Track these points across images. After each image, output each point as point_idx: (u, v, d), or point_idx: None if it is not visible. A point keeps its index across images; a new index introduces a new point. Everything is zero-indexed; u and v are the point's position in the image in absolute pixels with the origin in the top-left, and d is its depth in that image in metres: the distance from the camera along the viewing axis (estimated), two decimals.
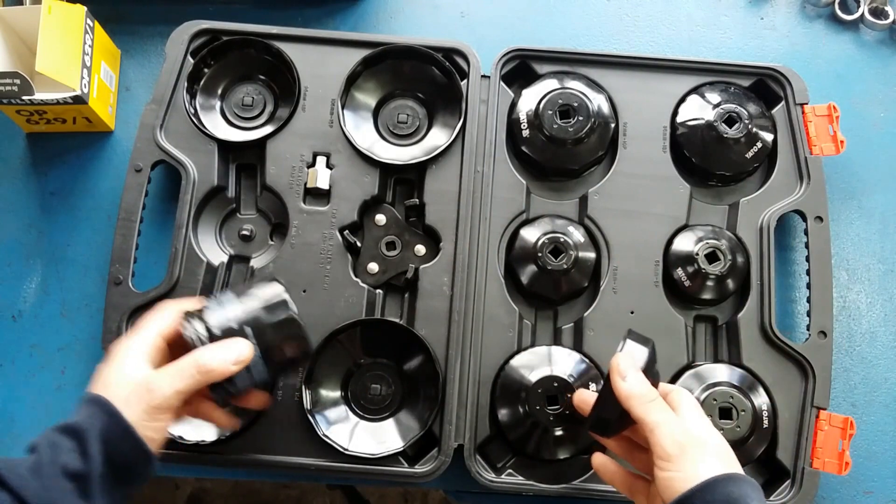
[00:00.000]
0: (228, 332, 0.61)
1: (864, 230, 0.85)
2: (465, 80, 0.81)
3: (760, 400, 0.74)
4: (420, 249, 0.80)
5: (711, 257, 0.77)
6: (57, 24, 0.77)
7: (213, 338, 0.60)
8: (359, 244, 0.79)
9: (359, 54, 0.81)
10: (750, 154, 0.80)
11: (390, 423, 0.75)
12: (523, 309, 0.78)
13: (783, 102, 0.83)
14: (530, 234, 0.78)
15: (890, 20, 0.89)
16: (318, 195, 0.79)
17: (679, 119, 0.82)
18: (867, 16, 0.90)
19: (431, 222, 0.78)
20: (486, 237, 0.78)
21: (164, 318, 0.62)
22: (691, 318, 0.79)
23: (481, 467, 0.73)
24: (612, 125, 0.81)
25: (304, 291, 0.76)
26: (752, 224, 0.79)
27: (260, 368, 0.62)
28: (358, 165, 0.79)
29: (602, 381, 0.68)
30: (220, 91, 0.83)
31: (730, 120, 0.79)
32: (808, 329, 0.77)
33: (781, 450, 0.74)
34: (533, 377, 0.73)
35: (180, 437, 0.72)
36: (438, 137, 0.82)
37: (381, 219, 0.80)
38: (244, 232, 0.80)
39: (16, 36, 0.80)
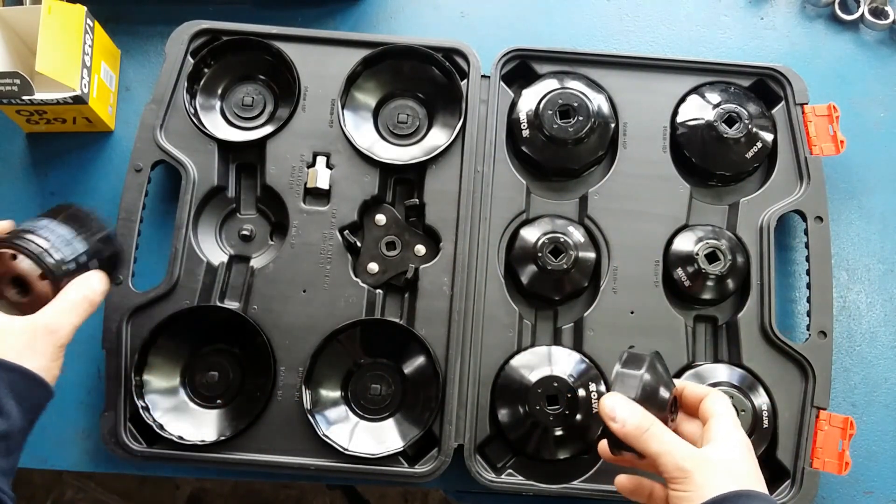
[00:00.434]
0: (81, 264, 0.65)
1: (864, 230, 0.85)
2: (465, 80, 0.81)
3: (760, 400, 0.74)
4: (420, 249, 0.80)
5: (711, 257, 0.77)
6: (57, 24, 0.77)
7: (73, 268, 0.64)
8: (359, 244, 0.79)
9: (359, 54, 0.81)
10: (750, 154, 0.80)
11: (390, 423, 0.75)
12: (523, 309, 0.78)
13: (783, 102, 0.83)
14: (530, 234, 0.78)
15: (890, 20, 0.89)
16: (318, 195, 0.79)
17: (679, 119, 0.82)
18: (867, 16, 0.90)
19: (431, 222, 0.78)
20: (486, 237, 0.78)
21: None
22: (691, 318, 0.79)
23: (481, 467, 0.73)
24: (612, 125, 0.81)
25: (304, 291, 0.76)
26: (752, 224, 0.79)
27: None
28: (358, 165, 0.79)
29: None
30: (220, 91, 0.83)
31: (730, 120, 0.79)
32: (808, 329, 0.77)
33: (781, 450, 0.74)
34: (533, 377, 0.73)
35: (180, 437, 0.72)
36: (438, 137, 0.82)
37: (381, 219, 0.80)
38: (244, 232, 0.80)
39: (16, 36, 0.80)
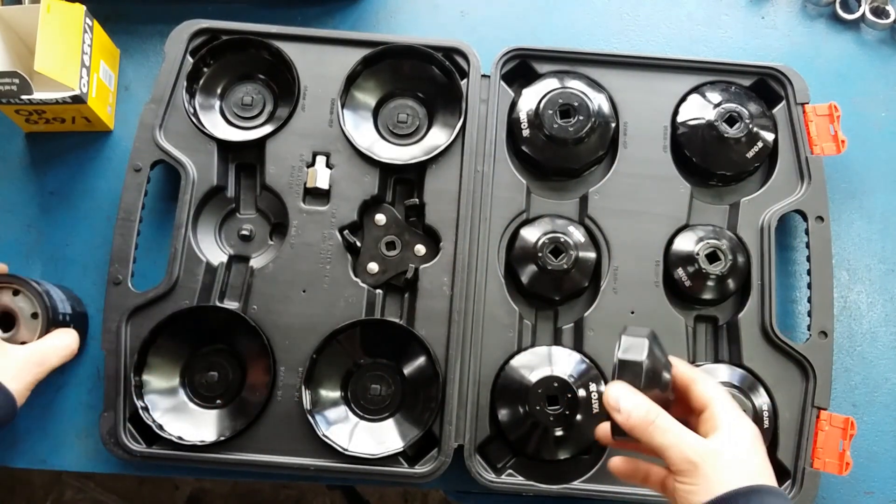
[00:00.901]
0: (76, 316, 0.77)
1: (865, 230, 0.85)
2: (466, 80, 0.81)
3: (761, 400, 0.74)
4: (420, 249, 0.79)
5: (712, 257, 0.77)
6: (56, 23, 0.77)
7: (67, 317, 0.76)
8: (359, 244, 0.79)
9: (358, 54, 0.81)
10: (751, 154, 0.80)
11: (390, 423, 0.75)
12: (523, 309, 0.78)
13: (784, 102, 0.82)
14: (530, 234, 0.78)
15: (891, 19, 0.89)
16: (317, 195, 0.79)
17: (680, 119, 0.82)
18: (868, 15, 0.90)
19: (431, 222, 0.78)
20: (486, 237, 0.78)
21: None
22: (692, 318, 0.79)
23: (481, 467, 0.73)
24: (613, 125, 0.81)
25: (304, 291, 0.76)
26: (752, 224, 0.79)
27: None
28: (358, 165, 0.79)
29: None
30: (219, 90, 0.83)
31: (730, 119, 0.79)
32: (808, 329, 0.77)
33: (782, 450, 0.74)
34: (533, 377, 0.73)
35: (180, 438, 0.72)
36: (438, 137, 0.82)
37: (380, 219, 0.80)
38: (244, 232, 0.80)
39: (15, 35, 0.80)
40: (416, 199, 0.80)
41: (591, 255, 0.78)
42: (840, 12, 0.91)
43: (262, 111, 0.83)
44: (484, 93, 0.81)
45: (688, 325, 0.78)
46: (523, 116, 0.80)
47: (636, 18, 0.91)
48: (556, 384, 0.72)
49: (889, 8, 0.90)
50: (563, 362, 0.74)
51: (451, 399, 0.73)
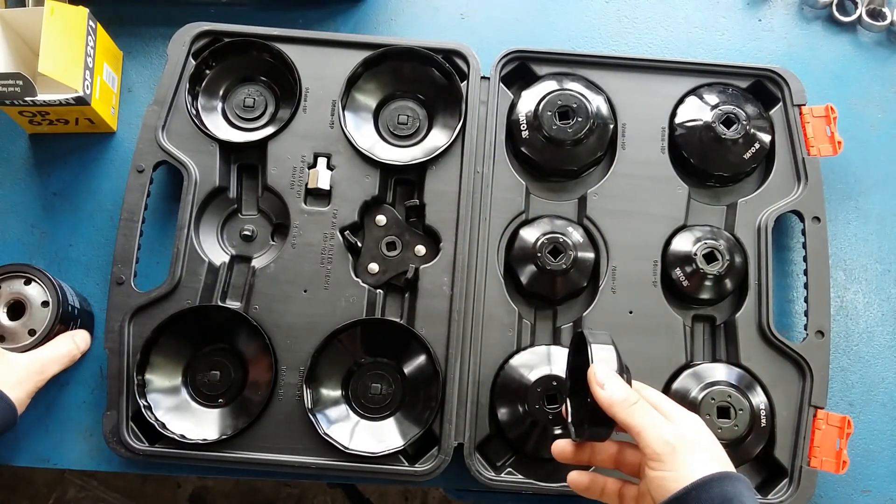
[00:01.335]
0: (84, 311, 0.78)
1: (861, 230, 0.86)
2: (465, 82, 0.81)
3: (758, 399, 0.75)
4: (420, 249, 0.80)
5: (709, 257, 0.77)
6: (59, 25, 0.77)
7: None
8: (359, 244, 0.80)
9: (359, 56, 0.81)
10: (748, 155, 0.80)
11: (391, 422, 0.76)
12: (523, 309, 0.79)
13: (781, 103, 0.83)
14: (530, 235, 0.79)
15: (887, 22, 0.90)
16: (318, 196, 0.80)
17: (677, 120, 0.82)
18: (865, 17, 0.90)
19: (431, 223, 0.79)
20: (486, 237, 0.78)
21: None
22: (689, 318, 0.80)
23: (481, 466, 0.74)
24: (611, 126, 0.81)
25: (305, 291, 0.77)
26: (749, 224, 0.80)
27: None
28: (358, 166, 0.80)
29: (567, 392, 0.67)
30: (221, 92, 0.83)
31: (728, 121, 0.80)
32: (805, 329, 0.78)
33: (779, 449, 0.74)
34: (532, 376, 0.73)
35: (182, 436, 0.73)
36: (438, 138, 0.82)
37: (381, 219, 0.81)
38: (245, 232, 0.81)
39: (18, 37, 0.80)
40: (417, 200, 0.80)
41: (590, 255, 0.79)
42: (837, 15, 0.91)
43: (264, 113, 0.83)
44: (483, 94, 0.81)
45: (685, 325, 0.78)
46: (522, 118, 0.81)
47: (634, 21, 0.92)
48: (555, 383, 0.73)
49: (885, 10, 0.90)
50: (562, 361, 0.74)
51: (450, 398, 0.74)
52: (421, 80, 0.83)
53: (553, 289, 0.78)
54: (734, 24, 0.92)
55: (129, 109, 0.87)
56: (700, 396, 0.74)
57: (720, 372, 0.76)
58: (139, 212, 0.77)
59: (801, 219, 0.80)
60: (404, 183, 0.83)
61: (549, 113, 0.79)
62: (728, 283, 0.78)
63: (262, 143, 0.80)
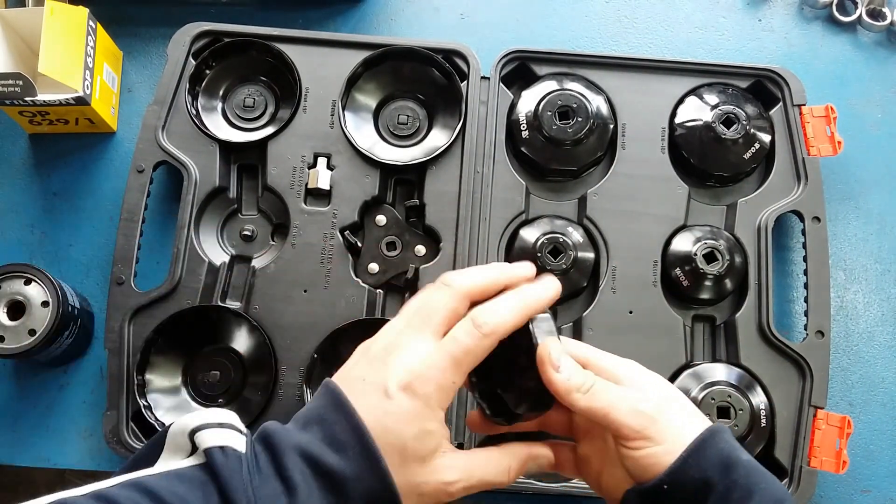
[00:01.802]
0: (84, 311, 0.79)
1: (861, 230, 0.86)
2: (465, 82, 0.81)
3: (758, 399, 0.75)
4: (420, 250, 0.80)
5: (709, 257, 0.77)
6: (59, 25, 0.77)
7: None
8: (359, 244, 0.80)
9: (359, 56, 0.81)
10: (748, 155, 0.80)
11: None
12: None
13: (781, 103, 0.83)
14: (530, 235, 0.79)
15: (887, 22, 0.90)
16: (318, 196, 0.80)
17: (677, 120, 0.82)
18: (865, 17, 0.90)
19: (431, 223, 0.79)
20: (486, 237, 0.78)
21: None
22: (689, 318, 0.80)
23: None
24: (611, 126, 0.81)
25: (305, 291, 0.77)
26: (749, 224, 0.80)
27: None
28: (358, 166, 0.80)
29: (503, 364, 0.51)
30: (221, 92, 0.83)
31: (728, 121, 0.80)
32: (805, 329, 0.78)
33: (779, 449, 0.74)
34: None
35: None
36: (438, 138, 0.82)
37: (381, 219, 0.81)
38: (245, 232, 0.81)
39: (18, 37, 0.80)
40: (417, 200, 0.80)
41: (590, 255, 0.79)
42: (837, 15, 0.91)
43: (264, 113, 0.83)
44: (483, 94, 0.81)
45: (685, 325, 0.78)
46: (522, 118, 0.81)
47: (634, 21, 0.92)
48: None
49: (885, 10, 0.91)
50: None
51: None
52: (421, 80, 0.83)
53: None
54: (734, 24, 0.92)
55: (129, 109, 0.87)
56: (700, 396, 0.74)
57: (720, 372, 0.76)
58: (139, 212, 0.77)
59: (801, 219, 0.80)
60: (404, 183, 0.83)
61: (549, 113, 0.79)
62: (728, 283, 0.78)
63: (262, 143, 0.80)
